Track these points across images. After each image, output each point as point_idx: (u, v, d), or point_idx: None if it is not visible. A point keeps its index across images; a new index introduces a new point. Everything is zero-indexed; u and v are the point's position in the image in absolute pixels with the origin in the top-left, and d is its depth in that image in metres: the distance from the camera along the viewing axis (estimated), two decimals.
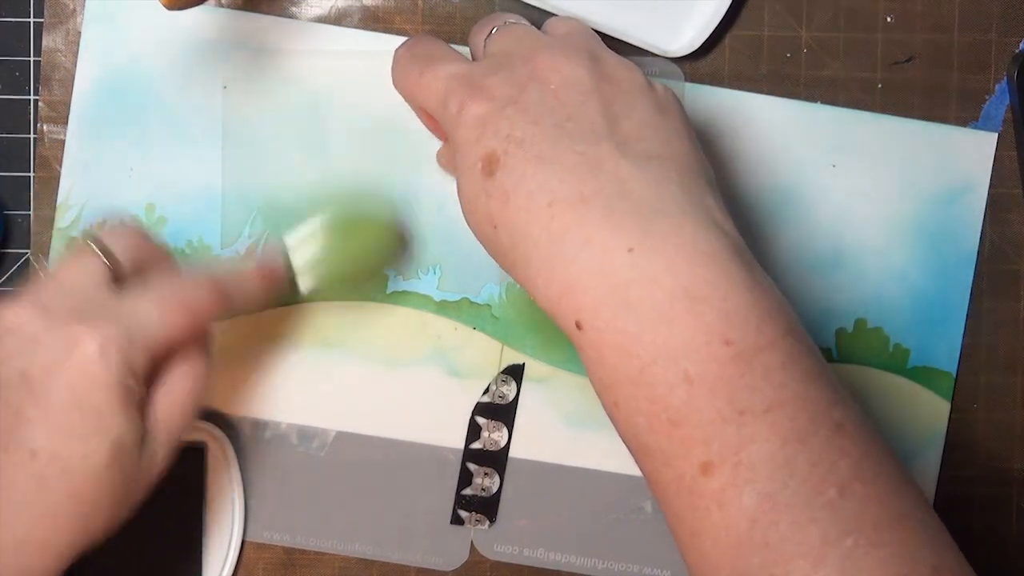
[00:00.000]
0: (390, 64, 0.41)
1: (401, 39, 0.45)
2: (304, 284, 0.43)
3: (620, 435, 0.35)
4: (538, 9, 0.45)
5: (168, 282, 0.38)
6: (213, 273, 0.40)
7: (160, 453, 0.38)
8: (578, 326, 0.34)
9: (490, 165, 0.35)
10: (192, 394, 0.39)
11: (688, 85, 0.45)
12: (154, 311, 0.37)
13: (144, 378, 0.37)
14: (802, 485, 0.31)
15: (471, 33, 0.41)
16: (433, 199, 0.46)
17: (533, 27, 0.39)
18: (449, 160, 0.44)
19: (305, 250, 0.43)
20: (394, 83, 0.41)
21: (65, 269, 0.38)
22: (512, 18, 0.40)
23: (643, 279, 0.33)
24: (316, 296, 0.45)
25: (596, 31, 0.41)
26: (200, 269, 0.40)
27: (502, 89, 0.36)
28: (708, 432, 0.32)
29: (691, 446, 0.32)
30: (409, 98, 0.40)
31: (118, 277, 0.38)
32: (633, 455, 0.34)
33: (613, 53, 0.38)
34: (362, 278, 0.45)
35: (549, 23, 0.41)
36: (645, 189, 0.34)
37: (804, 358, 0.33)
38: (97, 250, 0.38)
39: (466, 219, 0.37)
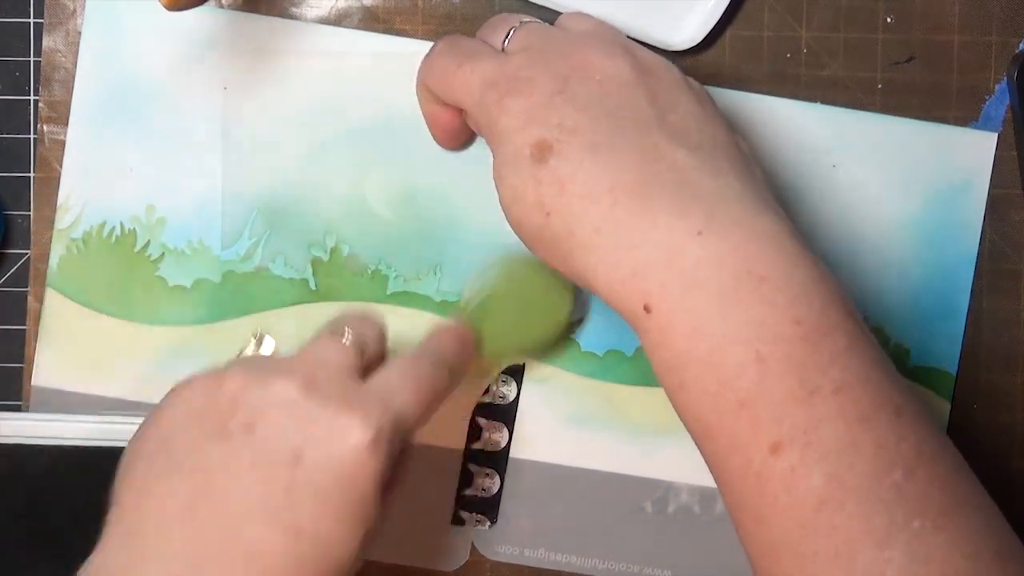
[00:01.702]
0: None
1: (401, 39, 0.45)
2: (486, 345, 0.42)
3: (683, 419, 0.34)
4: (539, 7, 0.45)
5: (413, 366, 0.38)
6: (432, 352, 0.39)
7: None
8: (646, 309, 0.34)
9: (541, 152, 0.35)
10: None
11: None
12: (411, 398, 0.36)
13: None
14: (868, 467, 0.31)
15: (481, 35, 0.41)
16: (433, 199, 0.46)
17: (551, 26, 0.39)
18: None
19: (482, 309, 0.43)
20: (425, 76, 0.41)
21: (321, 350, 0.37)
22: (526, 18, 0.40)
23: (712, 261, 0.33)
24: (496, 358, 0.45)
25: None
26: (422, 351, 0.39)
27: (545, 81, 0.36)
28: (777, 412, 0.32)
29: (760, 426, 0.32)
30: (443, 91, 0.40)
31: (364, 366, 0.37)
32: (696, 440, 0.34)
33: (642, 47, 0.38)
34: (539, 340, 0.44)
35: (563, 19, 0.41)
36: (703, 177, 0.35)
37: (865, 342, 0.33)
38: (352, 339, 0.37)
39: (507, 209, 0.37)
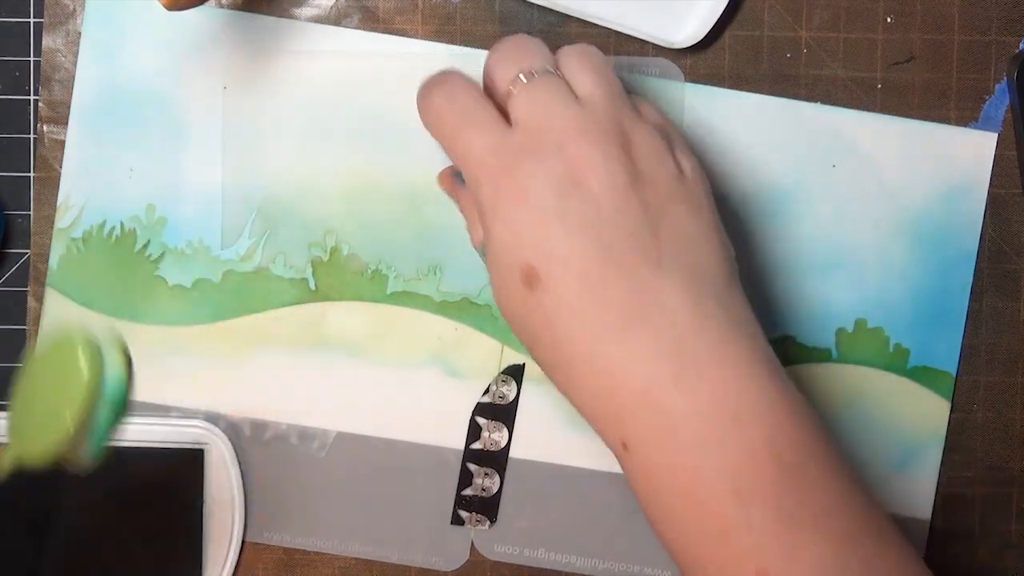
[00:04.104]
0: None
1: (401, 39, 0.45)
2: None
3: (667, 547, 0.35)
4: (539, 7, 0.45)
5: None
6: None
7: None
8: (624, 447, 0.34)
9: (529, 279, 0.35)
10: None
11: (688, 85, 0.45)
12: None
13: None
14: None
15: (492, 62, 0.38)
16: (433, 199, 0.46)
17: (561, 83, 0.37)
18: (461, 197, 0.42)
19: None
20: (422, 114, 0.39)
21: None
22: (537, 60, 0.38)
23: (688, 406, 0.33)
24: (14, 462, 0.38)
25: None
26: None
27: (540, 191, 0.35)
28: (760, 541, 0.32)
29: (744, 556, 0.33)
30: (439, 141, 0.39)
31: None
32: (681, 568, 0.35)
33: (641, 124, 0.37)
34: (51, 431, 0.37)
35: (565, 56, 0.38)
36: (687, 313, 0.34)
37: (843, 466, 0.34)
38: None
39: (499, 310, 0.37)
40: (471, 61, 0.45)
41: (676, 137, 0.39)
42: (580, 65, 0.38)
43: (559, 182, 0.35)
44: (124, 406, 0.38)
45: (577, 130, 0.36)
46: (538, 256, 0.35)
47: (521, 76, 0.37)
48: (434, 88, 0.38)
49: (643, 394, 0.34)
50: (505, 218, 0.36)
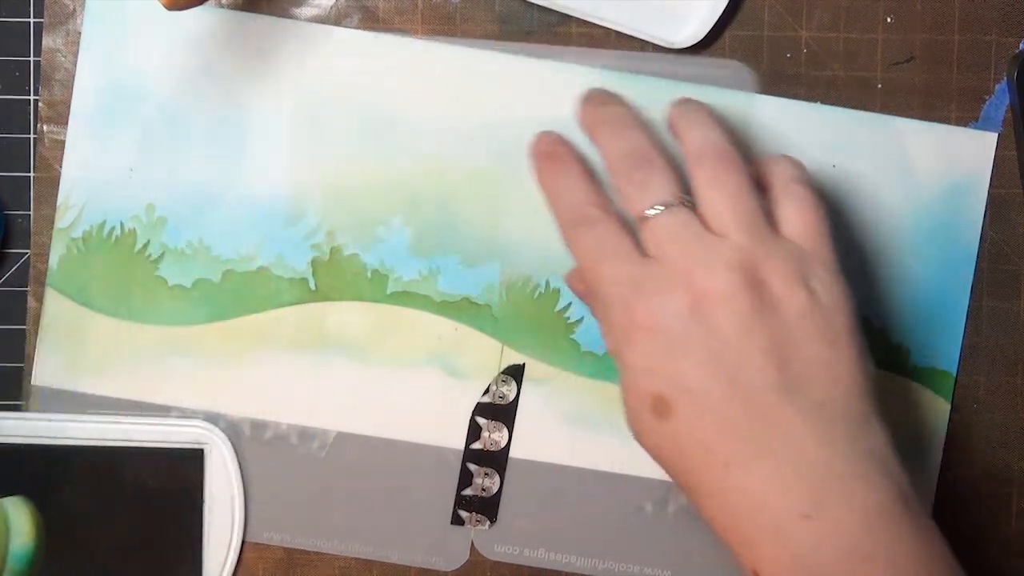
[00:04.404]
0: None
1: (401, 39, 0.45)
2: None
3: None
4: (539, 7, 0.45)
5: None
6: None
7: None
8: (756, 574, 0.35)
9: (660, 407, 0.36)
10: None
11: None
12: None
13: None
14: None
15: (622, 182, 0.39)
16: (434, 199, 0.46)
17: (692, 218, 0.38)
18: (583, 290, 0.44)
19: None
20: (553, 209, 0.41)
21: None
22: (668, 189, 0.38)
23: (818, 543, 0.34)
24: None
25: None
26: None
27: (668, 322, 0.36)
28: None
29: None
30: (568, 246, 0.40)
31: None
32: None
33: (773, 252, 0.37)
34: None
35: (701, 171, 0.39)
36: (817, 449, 0.35)
37: None
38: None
39: (630, 429, 0.38)
40: (471, 60, 0.45)
41: (821, 254, 0.38)
42: (714, 192, 0.38)
43: (686, 315, 0.36)
44: (31, 574, 0.42)
45: (705, 265, 0.37)
46: (667, 386, 0.36)
47: (652, 210, 0.38)
48: (577, 219, 0.40)
49: (773, 527, 0.35)
50: (636, 346, 0.37)
